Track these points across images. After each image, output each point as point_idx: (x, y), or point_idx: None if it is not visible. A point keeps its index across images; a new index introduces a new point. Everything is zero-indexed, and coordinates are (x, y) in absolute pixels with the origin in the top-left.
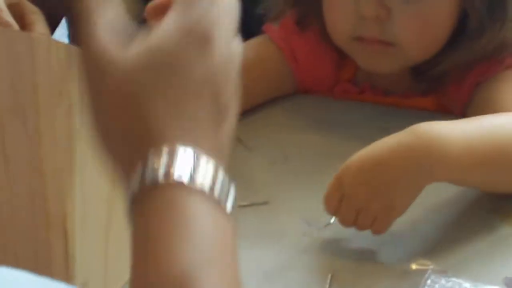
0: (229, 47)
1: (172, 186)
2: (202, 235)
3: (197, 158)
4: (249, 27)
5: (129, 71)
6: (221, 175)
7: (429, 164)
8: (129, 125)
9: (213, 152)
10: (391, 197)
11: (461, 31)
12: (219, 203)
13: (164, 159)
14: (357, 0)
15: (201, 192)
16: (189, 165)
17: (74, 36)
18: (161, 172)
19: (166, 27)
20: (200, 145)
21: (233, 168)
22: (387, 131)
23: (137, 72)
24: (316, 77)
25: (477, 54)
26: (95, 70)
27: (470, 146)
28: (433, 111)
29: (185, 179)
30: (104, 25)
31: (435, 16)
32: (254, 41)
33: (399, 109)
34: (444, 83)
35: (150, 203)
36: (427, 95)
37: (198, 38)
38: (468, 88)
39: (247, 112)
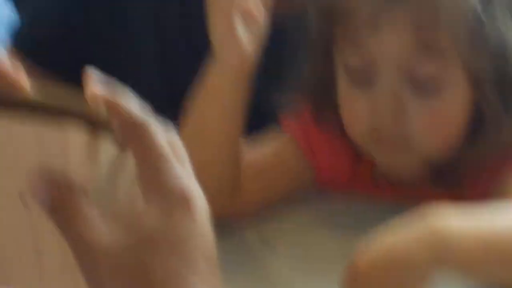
0: (204, 202)
1: None
2: None
3: None
4: (264, 120)
5: (123, 255)
6: None
7: (443, 259)
8: None
9: None
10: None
11: (478, 126)
12: None
13: None
14: (373, 98)
15: None
16: None
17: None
18: None
19: (147, 205)
20: None
21: (255, 268)
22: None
23: (129, 253)
24: (335, 172)
25: (496, 148)
26: (95, 266)
27: (486, 242)
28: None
29: None
30: (87, 219)
31: (449, 109)
32: (272, 137)
33: (417, 204)
34: (462, 178)
35: None
36: (445, 190)
37: (180, 201)
38: (486, 184)
39: (266, 209)
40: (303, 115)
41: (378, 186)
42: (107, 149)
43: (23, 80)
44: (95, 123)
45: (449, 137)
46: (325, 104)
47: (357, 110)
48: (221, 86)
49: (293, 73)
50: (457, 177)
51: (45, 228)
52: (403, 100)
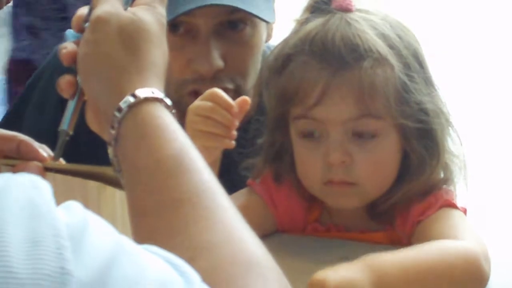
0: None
1: (152, 100)
2: (178, 129)
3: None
4: (234, 184)
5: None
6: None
7: (377, 283)
8: (107, 80)
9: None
10: None
11: (405, 170)
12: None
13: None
14: (325, 153)
15: (166, 104)
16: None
17: None
18: (143, 94)
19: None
20: (155, 84)
21: None
22: (347, 260)
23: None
24: (291, 220)
25: (419, 190)
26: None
27: (405, 267)
28: (385, 244)
29: (160, 96)
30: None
31: (385, 157)
32: (240, 193)
33: (357, 243)
34: (392, 221)
35: (139, 113)
36: (380, 231)
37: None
38: (411, 225)
39: None
40: (265, 178)
41: (326, 229)
42: (114, 195)
43: (45, 154)
44: (103, 178)
45: (385, 179)
46: (283, 167)
47: (312, 165)
48: None
49: (259, 145)
50: (387, 221)
51: None
52: (351, 152)
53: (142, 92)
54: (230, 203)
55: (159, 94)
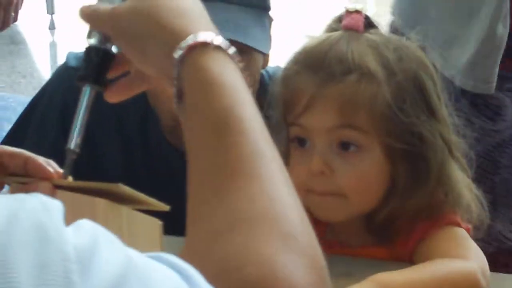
0: None
1: (211, 47)
2: (230, 82)
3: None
4: None
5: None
6: (224, 41)
7: None
8: (158, 35)
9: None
10: None
11: (394, 189)
12: (233, 58)
13: (200, 35)
14: (309, 161)
15: (225, 51)
16: (214, 36)
17: None
18: (201, 38)
19: None
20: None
21: None
22: (350, 276)
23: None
24: None
25: (410, 212)
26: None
27: (408, 284)
28: (387, 260)
29: (217, 42)
30: None
31: (367, 173)
32: None
33: (361, 259)
34: (394, 238)
35: (198, 59)
36: (382, 248)
37: None
38: (413, 243)
39: None
40: None
41: (330, 246)
42: (121, 211)
43: (53, 171)
44: (111, 195)
45: (370, 193)
46: None
47: (297, 172)
48: None
49: None
50: (389, 238)
51: None
52: (332, 164)
53: (187, 41)
54: (278, 169)
55: (205, 37)
